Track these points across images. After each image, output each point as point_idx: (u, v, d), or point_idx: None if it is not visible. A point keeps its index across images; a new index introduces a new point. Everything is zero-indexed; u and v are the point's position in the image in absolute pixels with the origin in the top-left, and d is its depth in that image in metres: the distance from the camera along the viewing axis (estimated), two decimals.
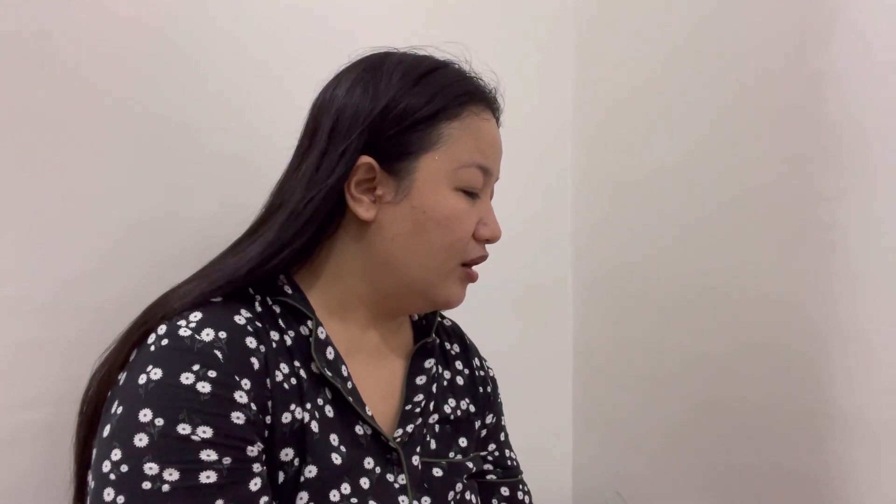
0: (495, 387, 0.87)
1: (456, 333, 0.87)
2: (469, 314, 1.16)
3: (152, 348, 0.59)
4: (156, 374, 0.56)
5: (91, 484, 0.55)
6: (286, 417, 0.61)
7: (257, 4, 0.94)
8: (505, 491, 0.81)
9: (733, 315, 0.95)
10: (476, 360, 0.86)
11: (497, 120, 0.76)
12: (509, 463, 0.84)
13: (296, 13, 0.97)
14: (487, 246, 0.74)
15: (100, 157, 0.81)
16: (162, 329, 0.60)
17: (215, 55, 0.90)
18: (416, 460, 0.70)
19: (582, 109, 1.25)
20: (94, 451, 0.57)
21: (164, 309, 0.62)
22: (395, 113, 0.67)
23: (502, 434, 0.86)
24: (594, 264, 1.23)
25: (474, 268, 0.74)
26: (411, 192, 0.68)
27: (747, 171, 0.93)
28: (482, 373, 0.85)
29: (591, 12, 1.23)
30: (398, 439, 0.69)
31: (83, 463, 0.63)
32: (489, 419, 0.84)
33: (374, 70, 0.70)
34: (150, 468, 0.53)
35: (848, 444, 0.81)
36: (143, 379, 0.56)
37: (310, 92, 0.73)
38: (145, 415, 0.54)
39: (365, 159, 0.67)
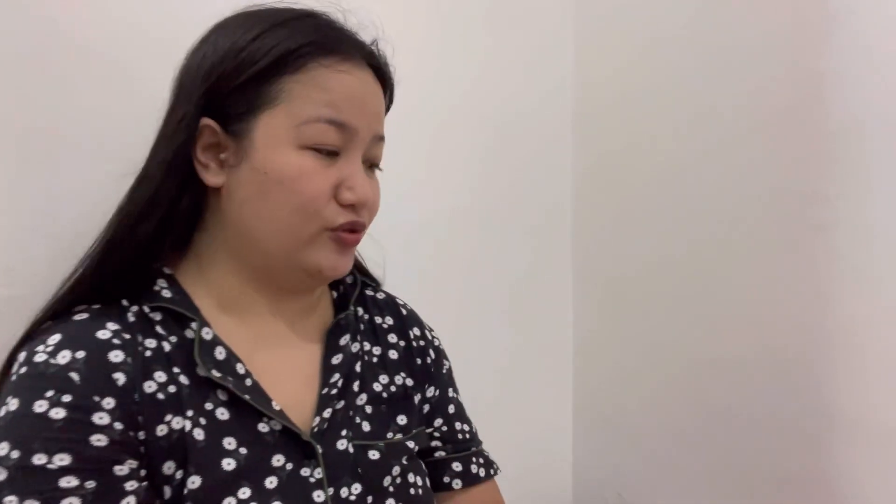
0: (440, 357, 0.81)
1: (390, 305, 0.81)
2: (469, 314, 1.16)
3: (13, 378, 0.57)
4: (13, 405, 0.55)
5: None
6: (162, 430, 0.58)
7: None
8: (457, 466, 0.76)
9: (733, 315, 0.95)
10: (415, 330, 0.80)
11: (381, 76, 0.70)
12: (460, 437, 0.78)
13: None
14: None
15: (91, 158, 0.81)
16: (21, 356, 0.58)
17: None
18: (342, 445, 0.65)
19: (582, 109, 1.25)
20: None
21: (30, 327, 0.62)
22: (230, 69, 0.62)
23: (451, 406, 0.80)
24: (594, 264, 1.23)
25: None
26: (251, 153, 0.63)
27: (747, 171, 0.93)
28: (421, 342, 0.79)
29: (591, 12, 1.23)
30: (315, 428, 0.65)
31: None
32: (430, 392, 0.78)
33: (221, 27, 0.66)
34: (10, 501, 0.51)
35: (848, 445, 0.81)
36: (2, 412, 0.55)
37: None
38: (2, 448, 0.53)
39: (206, 121, 0.63)
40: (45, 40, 0.80)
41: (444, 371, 0.81)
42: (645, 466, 1.11)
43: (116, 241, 0.63)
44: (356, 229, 0.67)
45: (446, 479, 0.76)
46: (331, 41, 0.65)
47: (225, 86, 0.63)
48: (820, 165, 0.83)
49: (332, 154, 0.64)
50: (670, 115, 1.06)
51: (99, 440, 0.55)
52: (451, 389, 0.81)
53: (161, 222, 0.63)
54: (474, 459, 0.78)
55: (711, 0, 0.99)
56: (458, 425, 0.79)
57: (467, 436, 0.80)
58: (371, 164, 0.70)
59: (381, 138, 0.69)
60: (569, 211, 1.27)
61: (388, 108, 0.75)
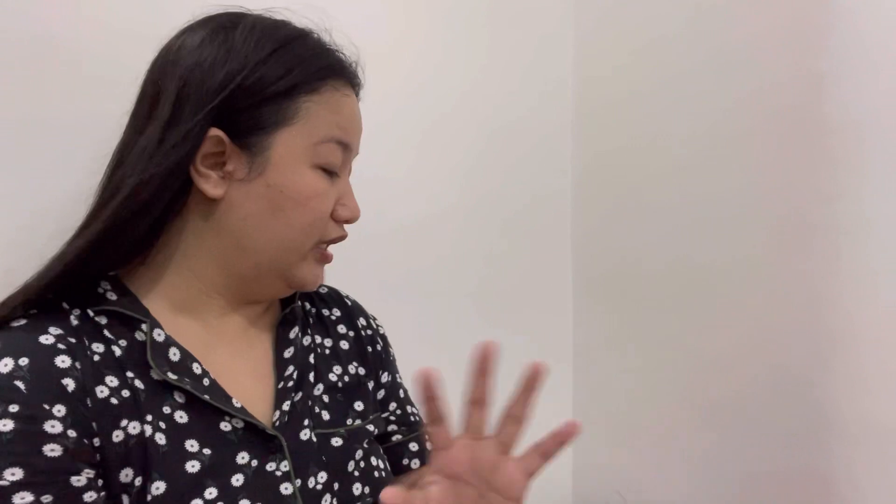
0: (386, 344, 0.83)
1: (334, 298, 0.82)
2: (469, 314, 1.16)
3: None
4: None
5: None
6: (118, 436, 0.56)
7: None
8: (414, 447, 0.78)
9: (733, 315, 0.95)
10: (361, 320, 0.81)
11: (357, 95, 0.72)
12: (413, 419, 0.81)
13: None
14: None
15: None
16: None
17: None
18: (305, 435, 0.66)
19: (582, 109, 1.25)
20: None
21: None
22: (250, 84, 0.62)
23: (401, 391, 0.82)
24: (594, 264, 1.23)
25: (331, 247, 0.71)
26: (267, 169, 0.63)
27: (747, 171, 0.93)
28: (369, 332, 0.81)
29: (591, 12, 1.23)
30: (276, 422, 0.64)
31: None
32: (385, 378, 0.80)
33: (225, 32, 0.64)
34: None
35: (848, 445, 0.81)
36: None
37: None
38: None
39: (214, 132, 0.62)
40: (45, 40, 0.80)
41: (392, 358, 0.83)
42: (645, 466, 1.11)
43: (101, 243, 0.61)
44: (338, 242, 0.70)
45: (405, 461, 0.78)
46: (341, 65, 0.69)
47: (243, 100, 0.62)
48: (820, 165, 0.83)
49: (333, 174, 0.67)
50: (670, 114, 1.06)
51: (52, 450, 0.53)
52: (398, 375, 0.83)
53: (149, 228, 0.62)
54: (427, 438, 0.79)
55: (711, 0, 0.99)
56: (408, 408, 0.82)
57: (418, 417, 0.82)
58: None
59: (357, 155, 0.73)
60: (569, 211, 1.27)
61: None
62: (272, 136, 0.64)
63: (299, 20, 0.69)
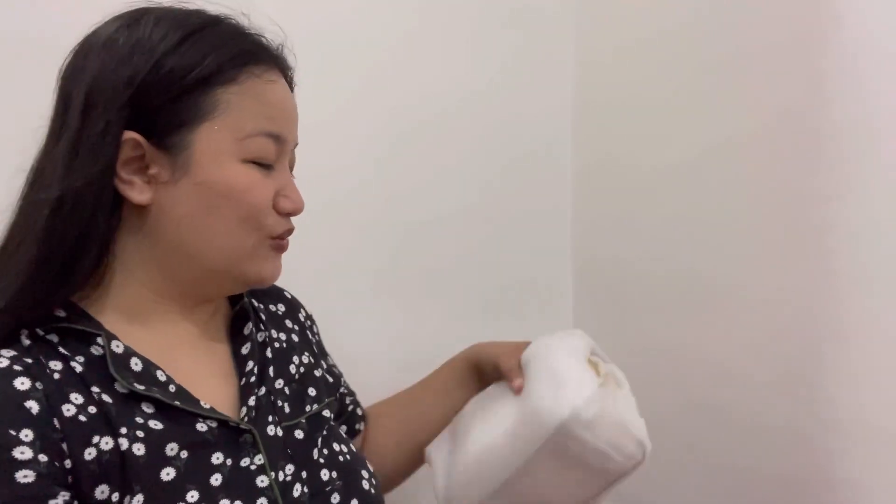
0: (318, 331, 0.86)
1: (275, 294, 0.81)
2: (469, 314, 1.16)
3: None
4: None
5: None
6: (90, 453, 0.54)
7: None
8: (360, 411, 0.87)
9: (733, 316, 0.95)
10: (302, 311, 0.83)
11: (289, 80, 0.69)
12: (353, 387, 0.87)
13: None
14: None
15: None
16: None
17: None
18: (271, 430, 0.65)
19: (582, 109, 1.25)
20: None
21: None
22: (159, 78, 0.58)
23: (336, 369, 0.86)
24: (594, 264, 1.23)
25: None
26: (191, 168, 0.60)
27: (747, 171, 0.93)
28: (309, 321, 0.83)
29: (591, 12, 1.23)
30: (245, 418, 0.64)
31: None
32: (327, 362, 0.84)
33: (130, 29, 0.60)
34: None
35: (848, 446, 0.81)
36: None
37: None
38: None
39: (129, 135, 0.58)
40: (45, 40, 0.80)
41: (323, 342, 0.87)
42: (644, 466, 1.11)
43: (37, 279, 0.57)
44: (288, 236, 0.68)
45: (357, 426, 0.86)
46: (258, 49, 0.64)
47: (154, 97, 0.59)
48: (820, 165, 0.83)
49: (268, 167, 0.65)
50: (670, 115, 1.06)
51: (25, 476, 0.51)
52: (329, 356, 0.87)
53: (95, 253, 0.59)
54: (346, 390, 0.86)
55: (712, 0, 0.99)
56: (343, 380, 0.86)
57: (350, 388, 0.87)
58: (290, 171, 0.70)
59: (296, 145, 0.70)
60: (569, 211, 1.27)
61: None
62: (192, 133, 0.60)
63: (215, 9, 0.64)
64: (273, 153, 0.64)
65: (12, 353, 0.56)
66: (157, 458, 0.57)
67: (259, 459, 0.63)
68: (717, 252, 0.98)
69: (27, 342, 0.57)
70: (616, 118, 1.18)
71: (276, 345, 0.74)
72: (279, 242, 0.67)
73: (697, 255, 1.01)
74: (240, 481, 0.61)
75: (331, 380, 0.82)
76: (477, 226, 1.17)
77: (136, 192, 0.60)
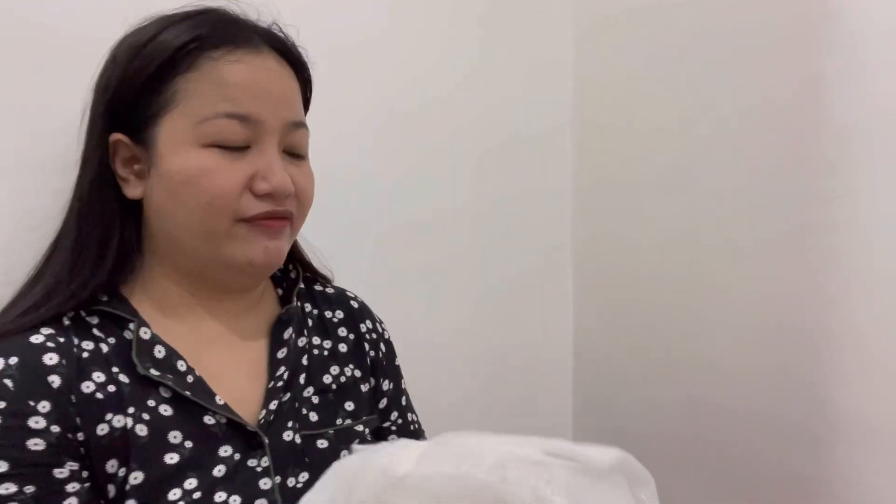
0: (390, 349, 0.82)
1: (340, 300, 0.81)
2: (469, 314, 1.16)
3: None
4: None
5: None
6: (102, 429, 0.59)
7: None
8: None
9: (733, 316, 0.95)
10: (367, 323, 0.80)
11: (286, 57, 0.69)
12: (412, 427, 0.81)
13: None
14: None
15: None
16: None
17: None
18: (288, 436, 0.66)
19: (582, 109, 1.25)
20: None
21: None
22: (127, 79, 0.63)
23: (403, 398, 0.82)
24: (594, 264, 1.23)
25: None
26: (157, 159, 0.63)
27: (747, 172, 0.93)
28: (374, 335, 0.80)
29: (591, 12, 1.23)
30: (261, 420, 0.65)
31: None
32: (386, 386, 0.80)
33: (119, 42, 0.66)
34: None
35: (848, 446, 0.81)
36: None
37: None
38: None
39: (115, 136, 0.64)
40: (46, 40, 0.80)
41: (396, 364, 0.83)
42: (645, 466, 1.11)
43: (65, 279, 0.63)
44: (279, 217, 0.66)
45: None
46: (218, 32, 0.64)
47: (125, 96, 0.64)
48: (820, 165, 0.83)
49: (241, 148, 0.64)
50: (670, 114, 1.06)
51: (36, 444, 0.55)
52: (402, 381, 0.83)
53: (113, 247, 0.65)
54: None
55: (711, 1, 0.99)
56: (409, 416, 0.82)
57: (417, 426, 0.82)
58: (293, 153, 0.69)
59: (297, 124, 0.68)
60: (569, 211, 1.27)
61: (307, 91, 0.74)
62: (158, 126, 0.63)
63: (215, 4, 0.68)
64: (239, 134, 0.63)
65: (50, 331, 0.61)
66: (159, 442, 0.60)
67: (265, 462, 0.64)
68: (717, 252, 0.98)
69: (67, 322, 0.62)
70: (616, 118, 1.18)
71: (315, 352, 0.74)
72: (260, 222, 0.65)
73: (698, 255, 1.01)
74: (242, 478, 0.62)
75: (384, 404, 0.79)
76: (476, 225, 1.17)
77: (131, 187, 0.66)
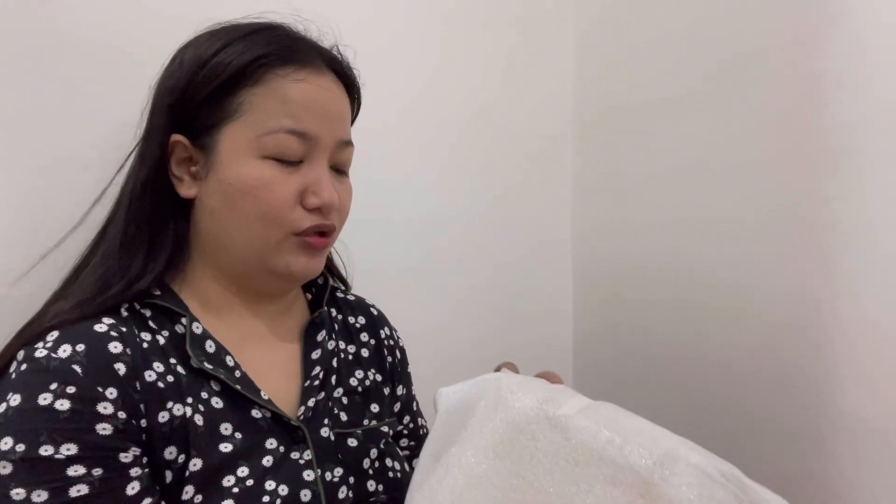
0: (404, 357, 0.86)
1: (361, 307, 0.85)
2: (469, 314, 1.16)
3: (13, 376, 0.58)
4: (15, 400, 0.56)
5: None
6: (163, 416, 0.61)
7: None
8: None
9: (734, 315, 0.95)
10: (385, 329, 0.85)
11: (341, 78, 0.72)
12: (422, 432, 0.85)
13: None
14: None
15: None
16: (20, 355, 0.59)
17: None
18: (325, 433, 0.69)
19: (582, 109, 1.25)
20: None
21: (25, 336, 0.62)
22: (194, 84, 0.66)
23: (414, 404, 0.86)
24: (594, 264, 1.23)
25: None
26: (216, 165, 0.66)
27: (747, 171, 0.93)
28: (391, 342, 0.85)
29: (591, 12, 1.23)
30: (301, 416, 0.68)
31: None
32: (400, 391, 0.84)
33: (188, 45, 0.69)
34: (17, 493, 0.53)
35: (848, 444, 0.81)
36: (2, 408, 0.56)
37: None
38: (6, 443, 0.54)
39: (175, 138, 0.67)
40: (46, 40, 0.80)
41: (408, 371, 0.87)
42: None
43: (118, 271, 0.65)
44: (324, 232, 0.70)
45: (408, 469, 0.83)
46: (286, 50, 0.68)
47: (190, 101, 0.66)
48: (820, 165, 0.83)
49: (295, 163, 0.67)
50: (670, 115, 1.06)
51: (104, 429, 0.57)
52: (412, 388, 0.87)
53: (167, 242, 0.67)
54: None
55: (711, 1, 0.99)
56: (419, 421, 0.86)
57: (426, 430, 0.85)
58: (339, 169, 0.72)
59: (346, 143, 0.72)
60: (569, 211, 1.27)
61: (355, 111, 0.78)
62: (220, 133, 0.66)
63: (281, 19, 0.70)
64: (297, 150, 0.67)
65: (111, 320, 0.63)
66: (213, 432, 0.63)
67: (308, 455, 0.67)
68: (717, 252, 0.98)
69: (125, 313, 0.65)
70: (616, 118, 1.18)
71: (342, 356, 0.78)
72: (306, 240, 0.68)
73: (697, 256, 1.01)
74: (288, 469, 0.65)
75: (397, 407, 0.83)
76: (477, 226, 1.17)
77: (185, 187, 0.68)
